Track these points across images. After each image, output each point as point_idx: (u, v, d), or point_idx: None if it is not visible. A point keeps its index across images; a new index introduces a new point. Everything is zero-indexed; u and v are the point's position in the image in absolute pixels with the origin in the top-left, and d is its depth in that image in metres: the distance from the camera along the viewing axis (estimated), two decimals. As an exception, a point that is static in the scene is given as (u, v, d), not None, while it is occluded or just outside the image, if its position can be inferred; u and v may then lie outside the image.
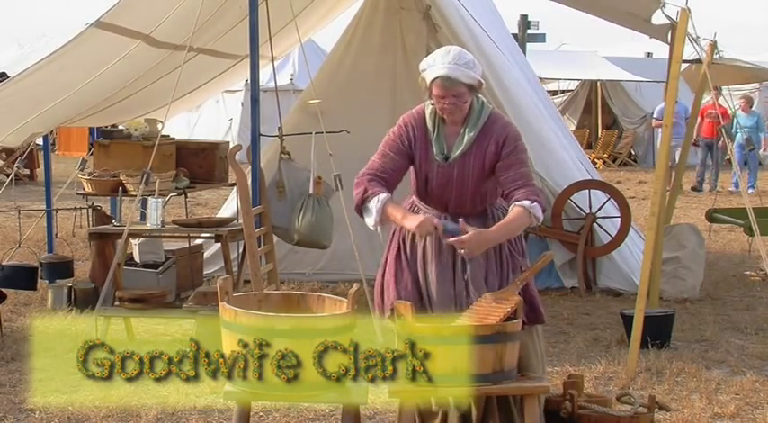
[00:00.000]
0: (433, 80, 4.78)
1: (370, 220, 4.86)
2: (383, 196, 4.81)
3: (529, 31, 22.43)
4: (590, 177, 10.10)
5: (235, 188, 9.82)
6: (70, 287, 8.76)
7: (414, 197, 5.05)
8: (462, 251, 4.70)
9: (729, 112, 17.75)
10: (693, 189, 19.01)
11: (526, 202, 4.73)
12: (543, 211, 4.82)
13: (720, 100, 17.09)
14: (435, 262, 4.88)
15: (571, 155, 10.23)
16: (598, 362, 7.07)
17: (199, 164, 9.34)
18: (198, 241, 9.24)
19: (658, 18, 8.09)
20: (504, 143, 4.82)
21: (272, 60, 8.58)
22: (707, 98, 16.90)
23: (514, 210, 4.75)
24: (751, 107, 19.62)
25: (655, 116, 19.16)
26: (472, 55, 4.89)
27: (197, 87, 10.32)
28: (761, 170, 19.66)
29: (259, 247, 7.68)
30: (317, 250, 8.81)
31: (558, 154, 9.89)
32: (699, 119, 17.57)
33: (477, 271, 4.84)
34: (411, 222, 4.77)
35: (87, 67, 8.29)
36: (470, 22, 9.60)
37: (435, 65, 4.79)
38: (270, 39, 8.17)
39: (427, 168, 4.90)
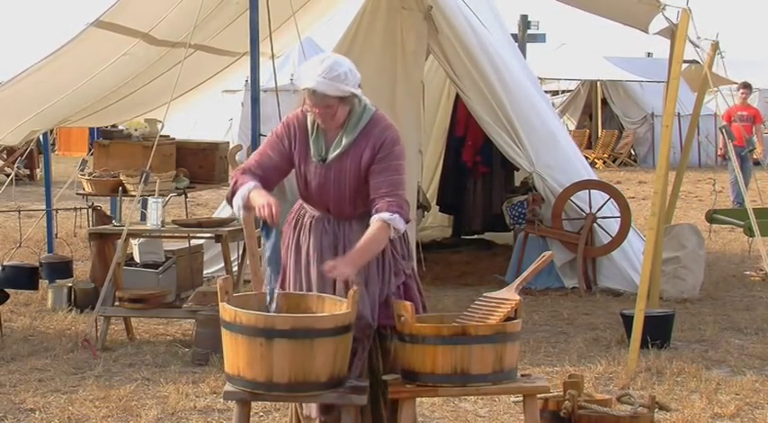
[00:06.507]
0: (304, 89, 4.70)
1: (235, 207, 4.84)
2: (252, 184, 4.77)
3: (529, 31, 22.37)
4: (594, 177, 10.06)
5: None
6: (70, 287, 8.76)
7: (300, 200, 5.03)
8: (333, 275, 4.62)
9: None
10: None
11: (386, 215, 4.64)
12: (407, 221, 4.73)
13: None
14: (315, 267, 4.85)
15: (578, 154, 10.21)
16: (598, 362, 7.07)
17: (199, 164, 9.34)
18: (198, 241, 9.24)
19: (659, 22, 8.07)
20: (380, 148, 4.75)
21: (272, 58, 8.56)
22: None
23: (374, 225, 4.66)
24: None
25: None
26: (350, 65, 4.71)
27: (196, 85, 10.32)
28: (757, 170, 19.25)
29: (259, 246, 7.67)
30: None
31: (565, 152, 9.86)
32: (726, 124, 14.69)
33: (358, 277, 4.70)
34: (259, 200, 4.73)
35: (86, 66, 8.28)
36: (473, 21, 9.58)
37: (304, 75, 4.67)
38: (270, 34, 8.16)
39: (306, 169, 4.85)
